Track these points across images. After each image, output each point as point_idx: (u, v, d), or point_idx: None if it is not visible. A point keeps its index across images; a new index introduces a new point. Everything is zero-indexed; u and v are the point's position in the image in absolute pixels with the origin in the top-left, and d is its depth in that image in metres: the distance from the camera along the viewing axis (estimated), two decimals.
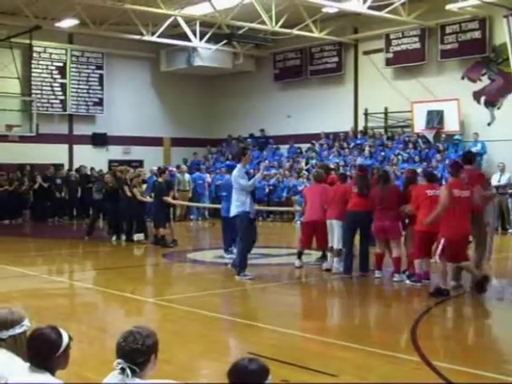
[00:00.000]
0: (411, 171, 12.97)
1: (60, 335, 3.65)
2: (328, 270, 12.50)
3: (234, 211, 11.94)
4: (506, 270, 13.47)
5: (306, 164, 25.24)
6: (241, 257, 11.90)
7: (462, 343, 8.21)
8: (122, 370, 3.58)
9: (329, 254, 12.71)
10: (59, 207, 25.16)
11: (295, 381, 6.13)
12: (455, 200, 10.10)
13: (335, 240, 12.31)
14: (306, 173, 23.83)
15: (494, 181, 18.34)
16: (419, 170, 15.40)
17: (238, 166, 12.07)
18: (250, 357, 3.46)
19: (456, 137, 22.79)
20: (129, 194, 17.39)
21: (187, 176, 25.07)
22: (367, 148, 24.04)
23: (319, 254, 13.77)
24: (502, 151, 20.99)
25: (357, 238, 12.26)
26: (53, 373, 3.61)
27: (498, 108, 22.39)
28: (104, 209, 18.82)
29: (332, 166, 18.62)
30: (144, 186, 18.18)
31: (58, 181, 25.06)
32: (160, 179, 17.36)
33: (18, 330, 3.97)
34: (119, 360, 3.59)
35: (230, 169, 15.45)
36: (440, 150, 22.17)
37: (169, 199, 17.28)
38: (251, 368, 3.32)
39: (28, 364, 3.62)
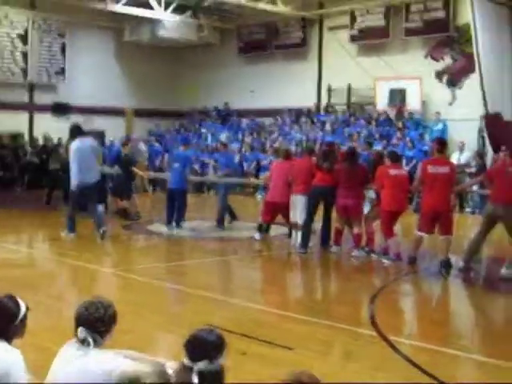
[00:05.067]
0: (378, 153, 13.10)
1: (18, 304, 3.63)
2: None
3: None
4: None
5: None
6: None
7: (419, 318, 8.37)
8: (82, 340, 3.57)
9: (293, 230, 12.64)
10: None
11: (252, 353, 6.18)
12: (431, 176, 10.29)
13: (299, 215, 12.18)
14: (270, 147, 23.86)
15: (454, 159, 18.50)
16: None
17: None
18: (208, 328, 3.47)
19: (417, 115, 22.98)
20: None
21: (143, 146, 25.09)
22: (329, 124, 24.09)
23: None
24: (462, 131, 21.19)
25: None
26: (10, 341, 3.60)
27: (460, 88, 22.59)
28: (59, 179, 18.51)
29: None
30: None
31: None
32: (125, 150, 17.13)
33: None
34: (81, 328, 3.57)
35: (186, 142, 15.79)
36: (400, 128, 22.31)
37: (138, 171, 17.35)
38: (209, 339, 3.33)
39: None
